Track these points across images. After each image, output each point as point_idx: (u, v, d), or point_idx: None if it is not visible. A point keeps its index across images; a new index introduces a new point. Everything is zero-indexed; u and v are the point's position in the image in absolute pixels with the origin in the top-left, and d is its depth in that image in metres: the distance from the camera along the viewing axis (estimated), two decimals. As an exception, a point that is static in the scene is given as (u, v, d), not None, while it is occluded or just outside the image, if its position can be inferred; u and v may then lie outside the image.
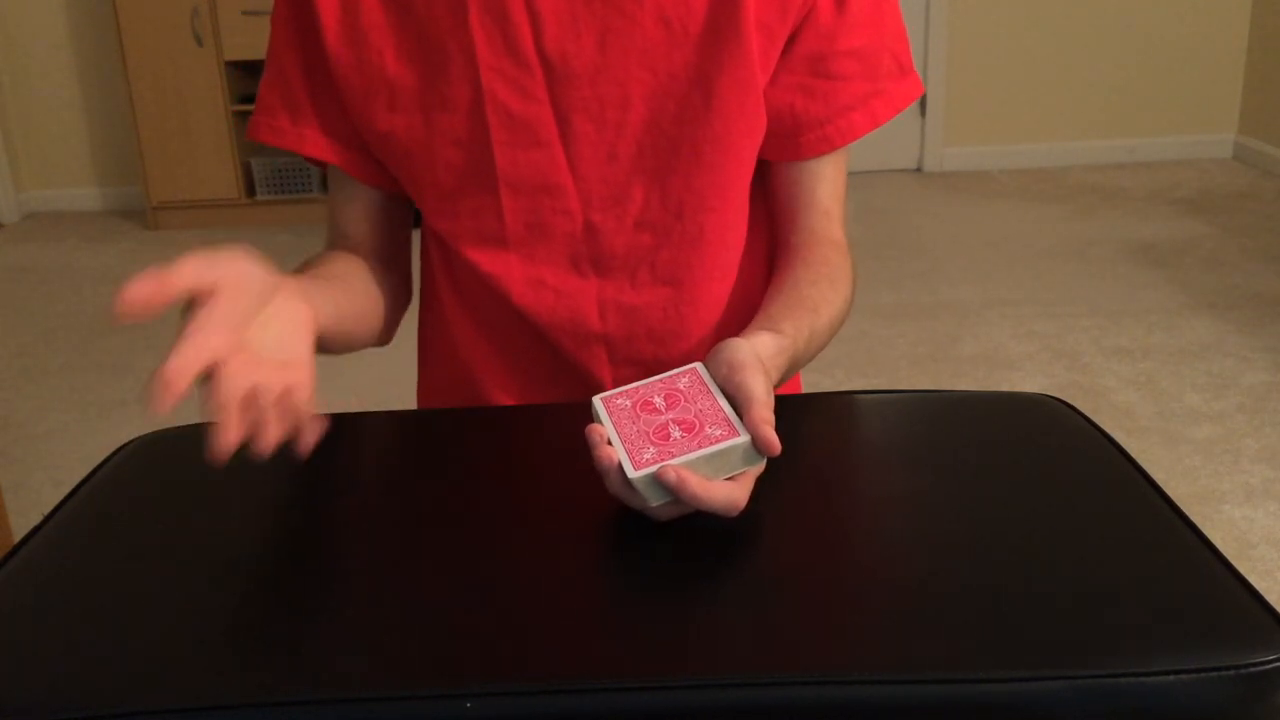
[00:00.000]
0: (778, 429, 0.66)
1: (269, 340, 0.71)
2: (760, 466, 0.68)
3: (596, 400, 0.72)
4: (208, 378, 0.65)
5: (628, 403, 0.71)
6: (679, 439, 0.66)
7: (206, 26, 4.01)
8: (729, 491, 0.65)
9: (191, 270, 0.64)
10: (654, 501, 0.65)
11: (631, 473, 0.65)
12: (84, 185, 4.58)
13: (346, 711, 0.53)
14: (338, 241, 0.99)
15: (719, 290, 0.95)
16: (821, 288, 0.89)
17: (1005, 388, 2.67)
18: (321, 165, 0.96)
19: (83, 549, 0.68)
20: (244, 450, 0.66)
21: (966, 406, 0.85)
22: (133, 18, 3.99)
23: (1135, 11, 4.44)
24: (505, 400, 0.99)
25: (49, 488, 2.43)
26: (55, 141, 4.52)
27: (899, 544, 0.65)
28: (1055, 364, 2.81)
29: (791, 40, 0.89)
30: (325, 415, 0.74)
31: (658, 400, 0.71)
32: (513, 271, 0.93)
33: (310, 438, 0.70)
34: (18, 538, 1.57)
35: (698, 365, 0.73)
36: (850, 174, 0.98)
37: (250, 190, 4.27)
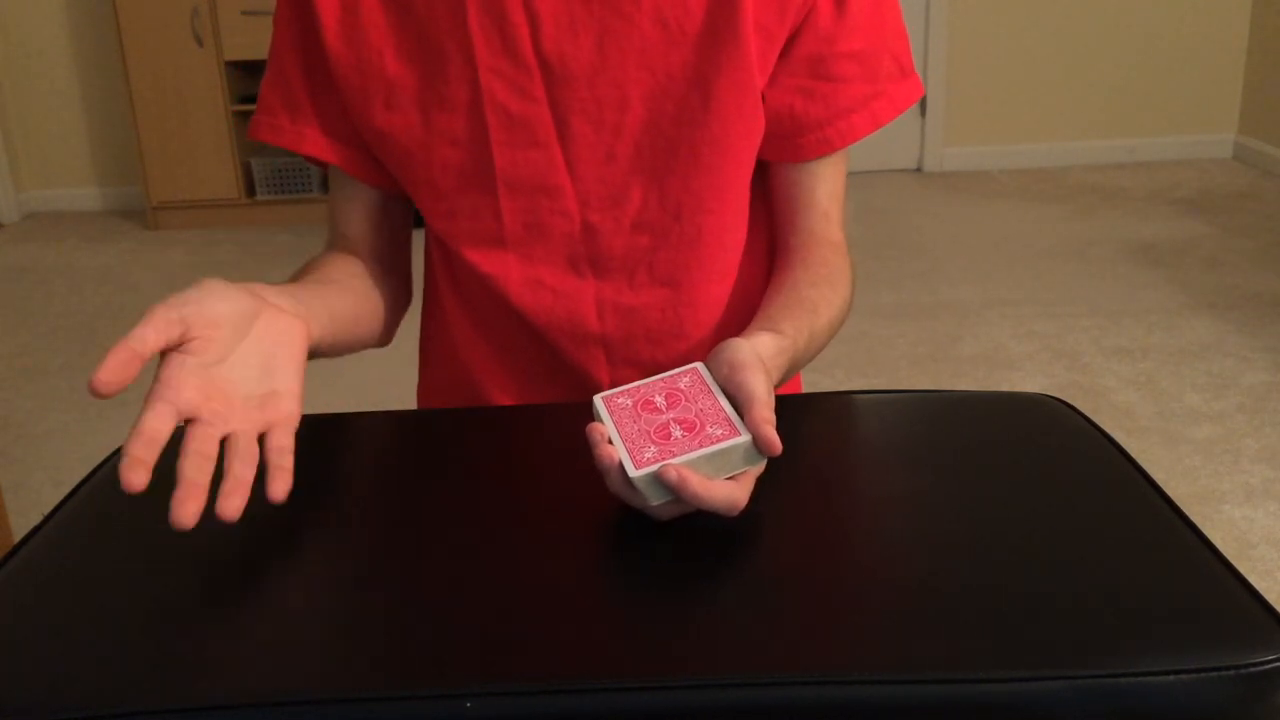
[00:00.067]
0: (778, 429, 0.66)
1: (253, 370, 0.71)
2: (761, 466, 0.68)
3: (597, 399, 0.72)
4: (188, 423, 0.65)
5: (629, 402, 0.71)
6: (680, 438, 0.67)
7: (206, 26, 4.01)
8: (729, 491, 0.65)
9: (157, 328, 0.65)
10: (654, 500, 0.65)
11: (632, 471, 0.65)
12: (84, 185, 4.58)
13: (346, 711, 0.53)
14: (337, 242, 0.99)
15: (717, 291, 0.95)
16: (821, 289, 0.89)
17: (1005, 388, 2.67)
18: (322, 165, 0.96)
19: (83, 549, 0.68)
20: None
21: (966, 406, 0.85)
22: (133, 18, 3.99)
23: (1135, 11, 4.44)
24: (504, 400, 0.99)
25: (49, 488, 2.43)
26: (55, 141, 4.52)
27: (899, 544, 0.65)
28: (1055, 364, 2.81)
29: (791, 42, 0.89)
30: (320, 424, 0.73)
31: (659, 399, 0.71)
32: (511, 272, 0.93)
33: (279, 489, 0.66)
34: (18, 538, 1.57)
35: (699, 365, 0.73)
36: (850, 174, 0.98)
37: (250, 190, 4.27)
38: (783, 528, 0.67)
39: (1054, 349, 2.89)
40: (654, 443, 0.67)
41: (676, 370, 0.73)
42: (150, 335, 0.65)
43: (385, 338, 0.99)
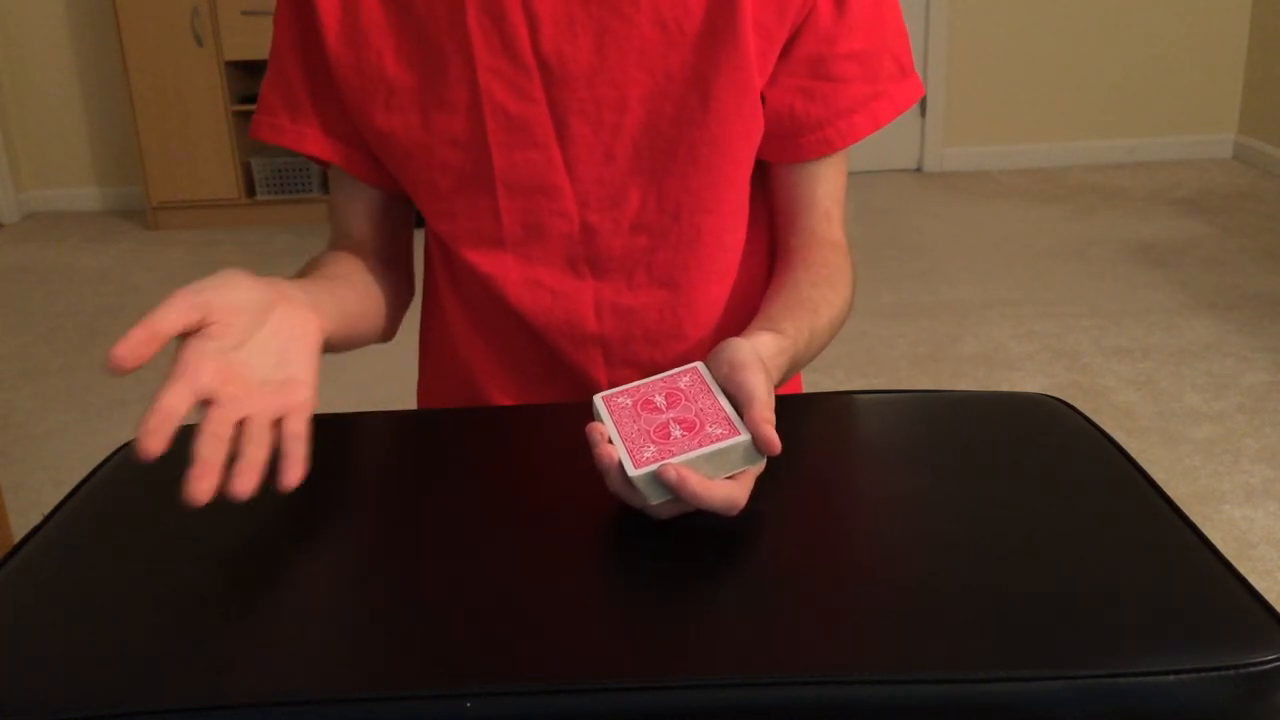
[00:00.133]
0: (778, 428, 0.66)
1: (269, 358, 0.72)
2: (760, 466, 0.68)
3: (597, 399, 0.72)
4: (204, 405, 0.66)
5: (629, 401, 0.71)
6: (679, 438, 0.67)
7: (206, 26, 4.01)
8: (729, 490, 0.65)
9: (179, 309, 0.66)
10: (654, 500, 0.65)
11: (632, 471, 0.65)
12: (84, 185, 4.58)
13: (346, 711, 0.53)
14: (340, 240, 0.99)
15: (716, 292, 0.95)
16: (822, 289, 0.89)
17: (1005, 388, 2.67)
18: (324, 164, 0.97)
19: (83, 549, 0.68)
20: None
21: (966, 406, 0.85)
22: (133, 18, 3.99)
23: (1135, 11, 4.44)
24: (503, 400, 0.99)
25: (49, 488, 2.43)
26: (55, 141, 4.52)
27: (899, 544, 0.65)
28: (1055, 364, 2.81)
29: (791, 42, 0.89)
30: (321, 423, 0.73)
31: (658, 399, 0.71)
32: (509, 272, 0.93)
33: (292, 477, 0.67)
34: (18, 538, 1.57)
35: (699, 364, 0.73)
36: (850, 174, 0.98)
37: (250, 190, 4.27)
38: (783, 528, 0.67)
39: (1054, 349, 2.90)
40: (653, 442, 0.67)
41: (676, 370, 0.73)
42: (171, 316, 0.66)
43: (389, 333, 0.99)
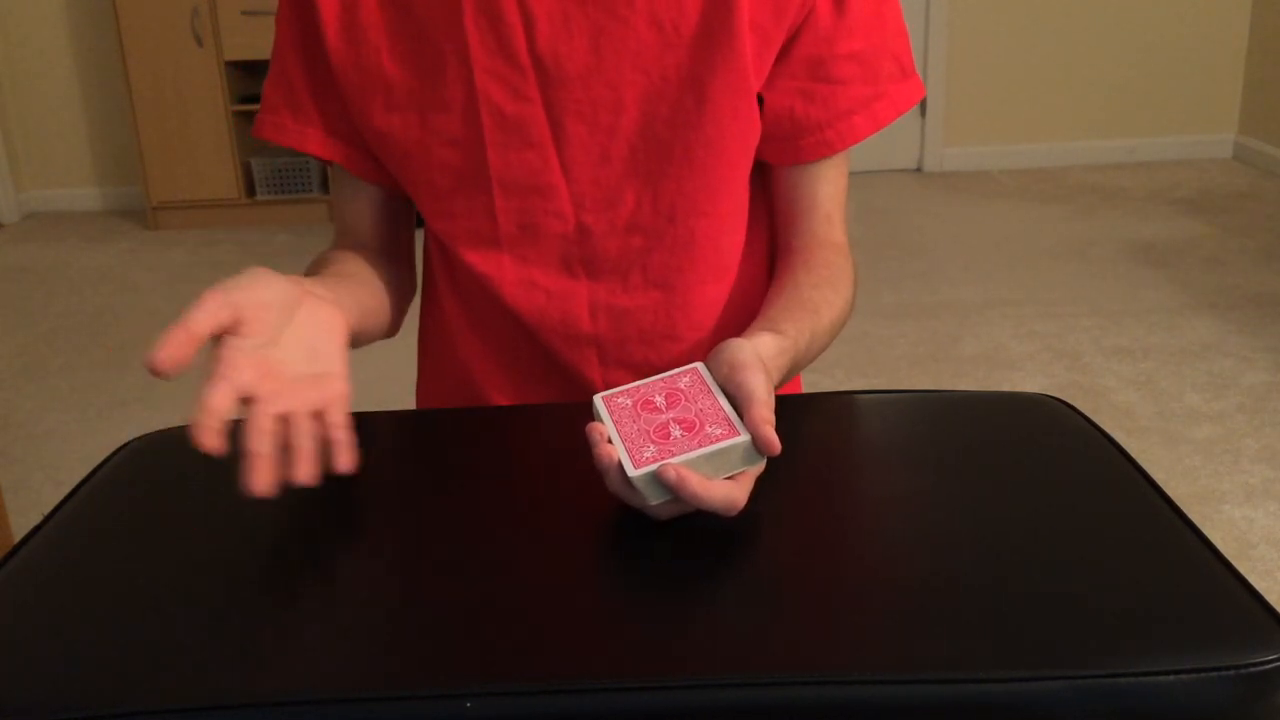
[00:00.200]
0: (778, 429, 0.66)
1: (301, 354, 0.73)
2: (760, 466, 0.68)
3: (597, 399, 0.72)
4: (245, 402, 0.67)
5: (628, 401, 0.71)
6: (679, 438, 0.67)
7: (206, 26, 4.01)
8: (728, 491, 0.65)
9: (211, 311, 0.68)
10: (653, 500, 0.65)
11: (631, 471, 0.65)
12: (84, 185, 4.58)
13: (346, 711, 0.53)
14: (344, 237, 1.00)
15: (712, 294, 0.95)
16: (823, 290, 0.89)
17: (1005, 388, 2.67)
18: (326, 163, 0.97)
19: (83, 549, 0.68)
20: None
21: (967, 406, 0.85)
22: (133, 18, 3.99)
23: (1135, 11, 4.44)
24: (500, 400, 0.99)
25: (49, 488, 2.43)
26: (55, 141, 4.52)
27: (899, 544, 0.65)
28: (1055, 364, 2.81)
29: (790, 43, 0.88)
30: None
31: (658, 399, 0.71)
32: (505, 272, 0.93)
33: (345, 462, 0.70)
34: (18, 538, 1.57)
35: (699, 365, 0.73)
36: (850, 174, 0.98)
37: (250, 190, 4.27)
38: (783, 528, 0.67)
39: (1054, 349, 2.89)
40: (653, 442, 0.67)
41: (677, 370, 0.73)
42: (204, 318, 0.67)
43: (394, 328, 1.00)
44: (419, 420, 0.88)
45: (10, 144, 4.49)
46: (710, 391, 0.70)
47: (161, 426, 0.85)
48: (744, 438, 0.66)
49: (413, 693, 0.54)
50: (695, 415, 0.68)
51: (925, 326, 3.07)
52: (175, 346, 0.65)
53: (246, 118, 4.14)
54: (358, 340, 0.88)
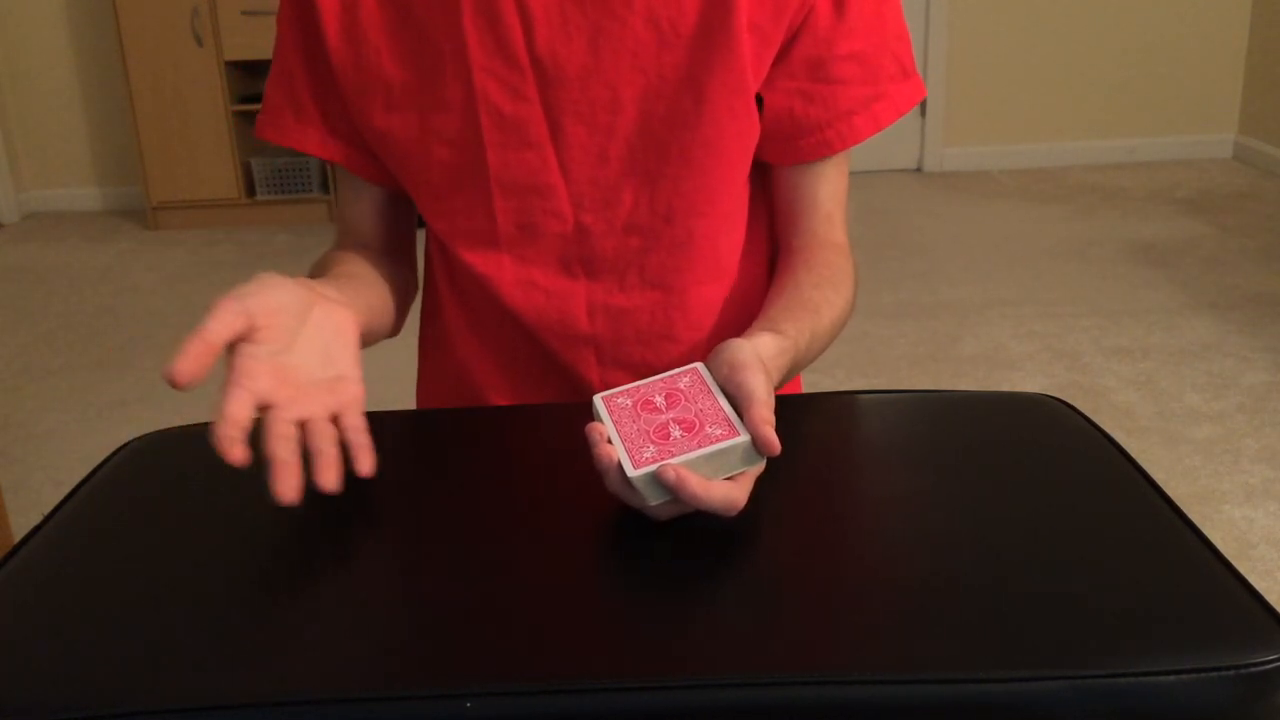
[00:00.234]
0: (778, 429, 0.66)
1: (315, 358, 0.74)
2: (760, 466, 0.68)
3: (597, 399, 0.72)
4: (262, 409, 0.68)
5: (628, 401, 0.71)
6: (679, 438, 0.67)
7: (206, 26, 4.01)
8: (728, 491, 0.65)
9: (226, 320, 0.68)
10: (653, 500, 0.65)
11: (631, 471, 0.65)
12: (84, 185, 4.58)
13: (346, 711, 0.53)
14: (347, 237, 1.01)
15: (710, 294, 0.95)
16: (824, 290, 0.89)
17: (1005, 388, 2.67)
18: (328, 163, 0.97)
19: (83, 549, 0.68)
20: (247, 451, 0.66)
21: (966, 406, 0.85)
22: (133, 18, 3.99)
23: (1135, 11, 4.44)
24: (499, 400, 0.99)
25: (49, 488, 2.43)
26: (55, 141, 4.52)
27: (899, 544, 0.65)
28: (1055, 364, 2.81)
29: (789, 43, 0.88)
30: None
31: (658, 399, 0.71)
32: (504, 272, 0.93)
33: (366, 465, 0.71)
34: (18, 538, 1.57)
35: (698, 365, 0.73)
36: (851, 174, 0.98)
37: (250, 190, 4.27)
38: (783, 528, 0.67)
39: (1054, 349, 2.89)
40: (653, 442, 0.67)
41: (676, 370, 0.73)
42: (219, 328, 0.67)
43: (397, 328, 1.01)
44: (419, 420, 0.88)
45: (10, 144, 4.49)
46: (710, 392, 0.70)
47: (161, 426, 0.85)
48: (744, 438, 0.66)
49: (413, 693, 0.54)
50: (695, 415, 0.68)
51: (925, 326, 3.07)
52: (193, 358, 0.65)
53: (247, 118, 4.14)
54: (364, 340, 0.88)
